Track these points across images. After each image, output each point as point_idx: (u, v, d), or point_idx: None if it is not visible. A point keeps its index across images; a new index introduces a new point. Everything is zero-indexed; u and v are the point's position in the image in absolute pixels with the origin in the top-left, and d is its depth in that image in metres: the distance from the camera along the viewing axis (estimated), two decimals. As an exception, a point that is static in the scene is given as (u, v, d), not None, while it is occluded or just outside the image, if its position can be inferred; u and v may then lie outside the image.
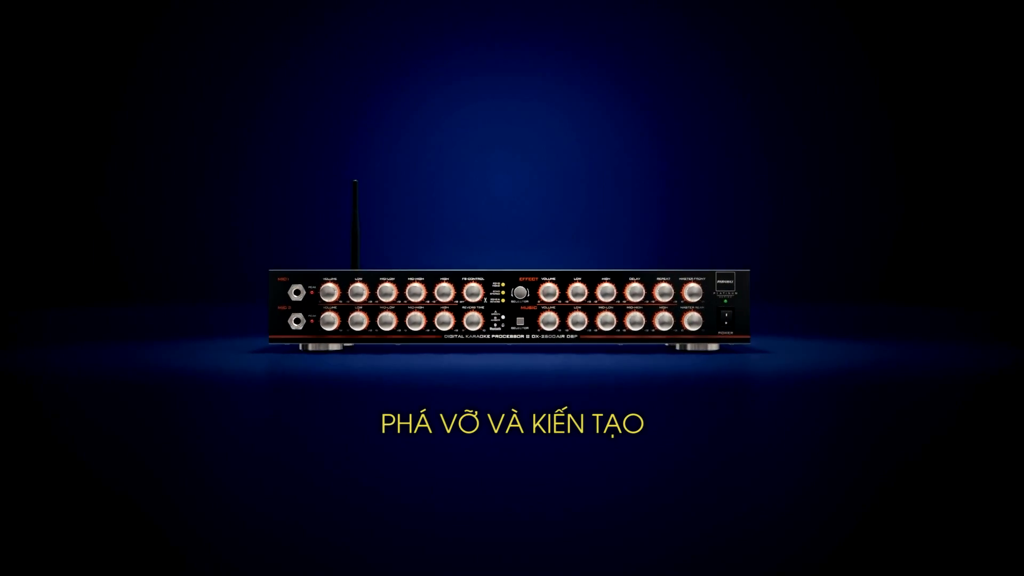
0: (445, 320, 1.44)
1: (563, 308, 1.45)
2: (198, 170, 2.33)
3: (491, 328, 1.45)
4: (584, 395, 1.11)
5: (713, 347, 1.47)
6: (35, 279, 2.24)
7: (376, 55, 2.29)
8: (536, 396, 1.10)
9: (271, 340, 1.45)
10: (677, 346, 1.48)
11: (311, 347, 1.47)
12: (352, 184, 1.62)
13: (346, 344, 1.48)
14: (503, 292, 1.46)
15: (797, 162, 2.29)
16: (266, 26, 2.29)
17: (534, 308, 1.46)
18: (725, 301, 1.45)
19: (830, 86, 2.27)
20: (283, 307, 1.45)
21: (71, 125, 2.29)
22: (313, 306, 1.45)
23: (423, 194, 2.32)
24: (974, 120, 2.25)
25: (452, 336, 1.45)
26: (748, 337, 1.45)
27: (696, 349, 1.47)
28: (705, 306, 1.45)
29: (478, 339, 1.45)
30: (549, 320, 1.45)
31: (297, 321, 1.45)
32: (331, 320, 1.44)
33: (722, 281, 1.45)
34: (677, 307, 1.45)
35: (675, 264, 2.15)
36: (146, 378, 1.23)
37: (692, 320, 1.44)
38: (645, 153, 2.31)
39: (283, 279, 1.46)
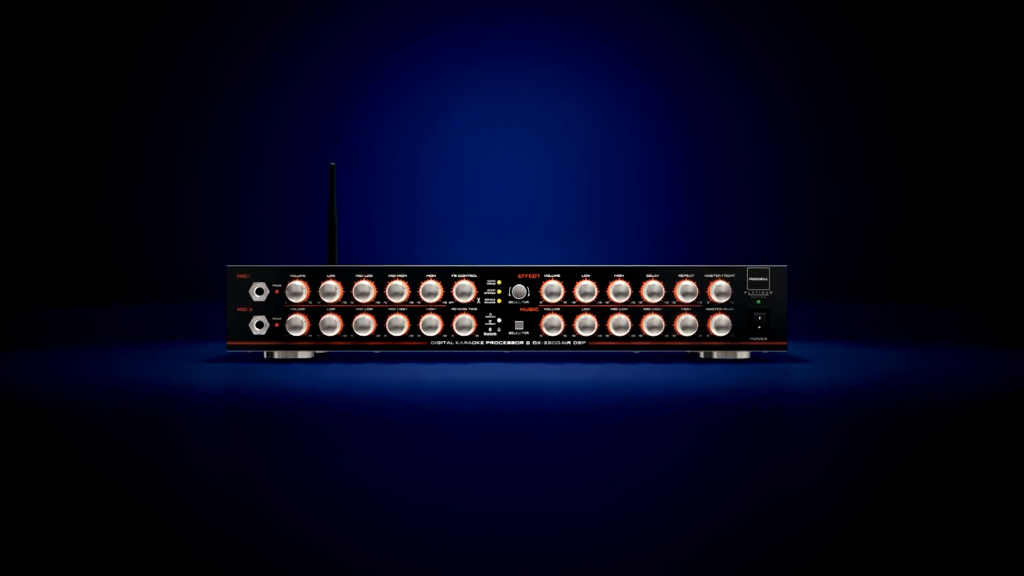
0: (432, 324, 1.24)
1: (569, 310, 1.25)
2: (178, 158, 2.12)
3: (485, 333, 1.25)
4: (593, 412, 0.91)
5: (743, 355, 1.26)
6: (7, 275, 2.04)
7: (374, 39, 2.09)
8: (537, 414, 0.90)
9: (229, 347, 1.25)
10: (702, 354, 1.27)
11: (277, 355, 1.27)
12: (329, 168, 1.42)
13: (318, 352, 1.28)
14: (499, 291, 1.25)
15: (811, 153, 2.09)
16: (258, 11, 2.09)
17: (535, 310, 1.25)
18: (758, 302, 1.25)
19: (836, 76, 2.07)
20: (243, 308, 1.25)
21: (41, 121, 2.09)
22: (278, 307, 1.25)
23: (413, 181, 2.11)
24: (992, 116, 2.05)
25: (440, 343, 1.25)
26: (785, 344, 1.25)
27: (724, 357, 1.26)
28: (735, 307, 1.24)
29: (470, 346, 1.25)
30: (553, 324, 1.24)
31: (259, 325, 1.25)
32: (299, 324, 1.24)
33: (755, 278, 1.25)
34: (702, 308, 1.24)
35: (698, 259, 1.93)
36: (76, 394, 1.03)
37: (720, 324, 1.24)
38: (662, 138, 2.10)
39: (243, 276, 1.25)
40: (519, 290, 1.25)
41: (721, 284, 1.24)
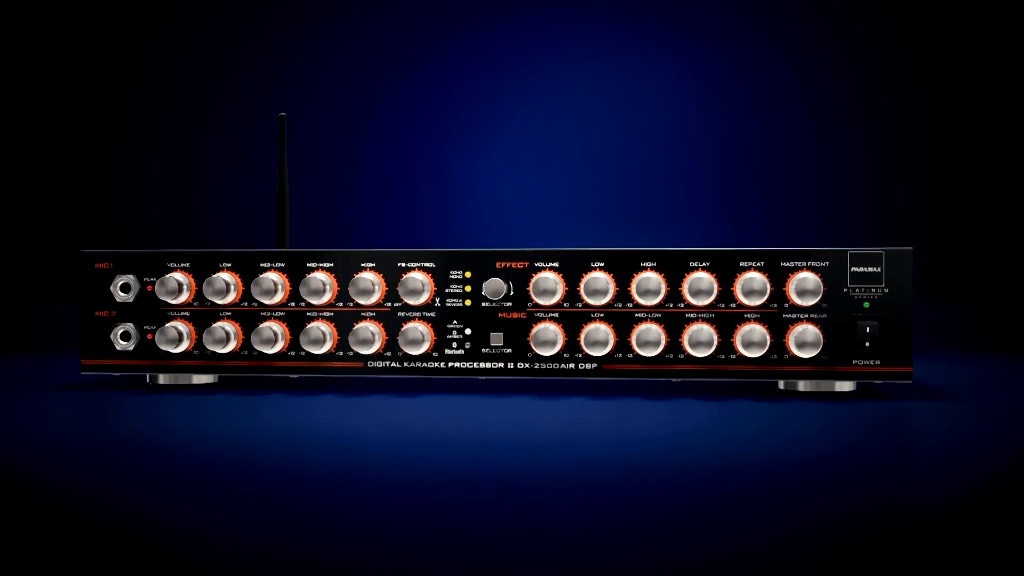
0: (366, 336, 0.83)
1: (573, 316, 0.82)
2: (177, 148, 1.77)
3: (447, 351, 0.84)
4: (607, 479, 0.51)
5: (845, 387, 0.82)
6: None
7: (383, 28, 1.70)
8: (524, 485, 0.50)
9: (84, 368, 0.87)
10: (781, 384, 0.83)
11: (163, 380, 0.88)
12: (279, 119, 1.04)
13: (219, 375, 0.89)
14: (468, 287, 0.84)
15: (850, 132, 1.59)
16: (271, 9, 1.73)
17: (522, 316, 0.83)
18: (867, 305, 0.80)
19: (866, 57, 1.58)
20: (103, 312, 0.87)
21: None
22: (152, 311, 0.86)
23: (406, 160, 1.69)
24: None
25: (380, 364, 0.84)
26: (909, 370, 0.80)
27: (813, 390, 0.82)
28: (829, 314, 0.80)
29: (424, 369, 0.84)
30: (547, 337, 0.82)
31: (125, 337, 0.86)
32: (176, 335, 0.85)
33: (859, 268, 0.80)
34: (778, 315, 0.81)
35: (761, 242, 1.44)
36: None
37: (805, 338, 0.80)
38: (692, 106, 1.63)
39: (103, 265, 0.87)
40: (497, 287, 0.83)
41: (807, 278, 0.80)
